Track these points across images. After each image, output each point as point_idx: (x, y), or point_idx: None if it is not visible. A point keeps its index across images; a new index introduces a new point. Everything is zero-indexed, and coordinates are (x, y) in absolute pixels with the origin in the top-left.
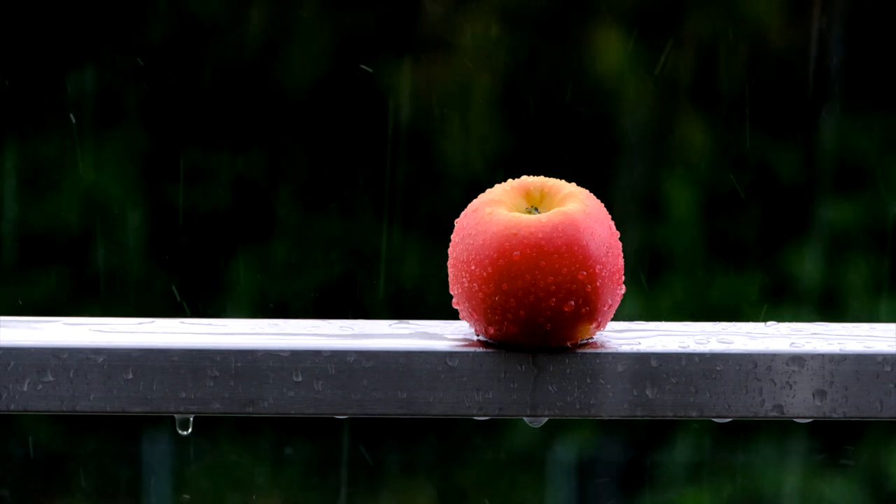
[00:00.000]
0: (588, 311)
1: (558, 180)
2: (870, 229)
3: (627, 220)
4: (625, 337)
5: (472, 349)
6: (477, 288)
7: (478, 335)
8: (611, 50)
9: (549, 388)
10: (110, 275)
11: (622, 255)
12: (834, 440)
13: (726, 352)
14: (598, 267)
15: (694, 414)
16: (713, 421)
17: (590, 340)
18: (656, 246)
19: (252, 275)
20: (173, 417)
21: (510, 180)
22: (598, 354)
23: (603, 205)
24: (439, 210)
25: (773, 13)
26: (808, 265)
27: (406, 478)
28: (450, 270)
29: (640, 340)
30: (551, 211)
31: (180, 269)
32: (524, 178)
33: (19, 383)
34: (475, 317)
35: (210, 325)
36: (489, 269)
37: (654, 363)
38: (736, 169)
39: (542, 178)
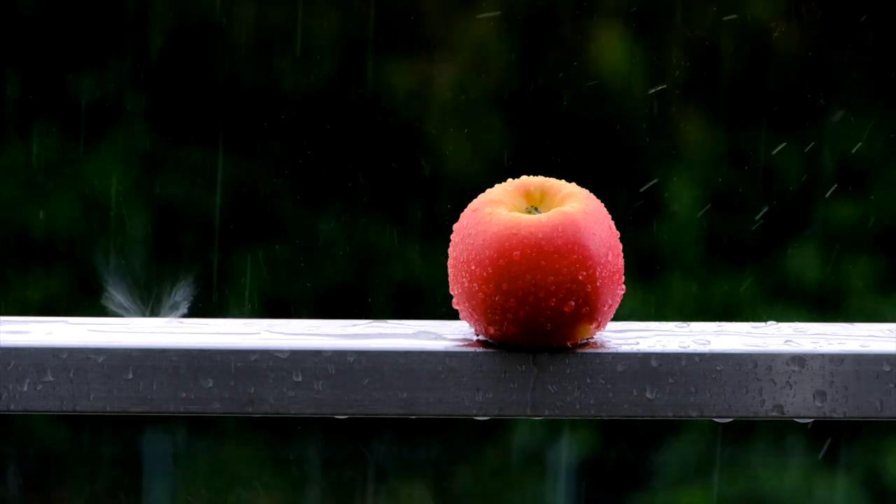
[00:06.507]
0: (588, 311)
1: (558, 180)
2: (870, 229)
3: (628, 220)
4: (625, 337)
5: (472, 349)
6: (477, 288)
7: (478, 335)
8: (611, 49)
9: (549, 388)
10: (110, 275)
11: (622, 254)
12: (834, 440)
13: (726, 352)
14: (598, 267)
15: (694, 414)
16: (713, 421)
17: (590, 340)
18: (656, 246)
19: (252, 275)
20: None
21: (510, 180)
22: (598, 354)
23: (603, 205)
24: (439, 210)
25: (774, 12)
26: (809, 265)
27: (405, 477)
28: (450, 270)
29: (639, 340)
30: (551, 211)
31: (181, 269)
32: (524, 177)
33: (19, 383)
34: (475, 317)
35: (210, 325)
36: (489, 269)
37: (654, 363)
38: (737, 168)
39: (542, 178)
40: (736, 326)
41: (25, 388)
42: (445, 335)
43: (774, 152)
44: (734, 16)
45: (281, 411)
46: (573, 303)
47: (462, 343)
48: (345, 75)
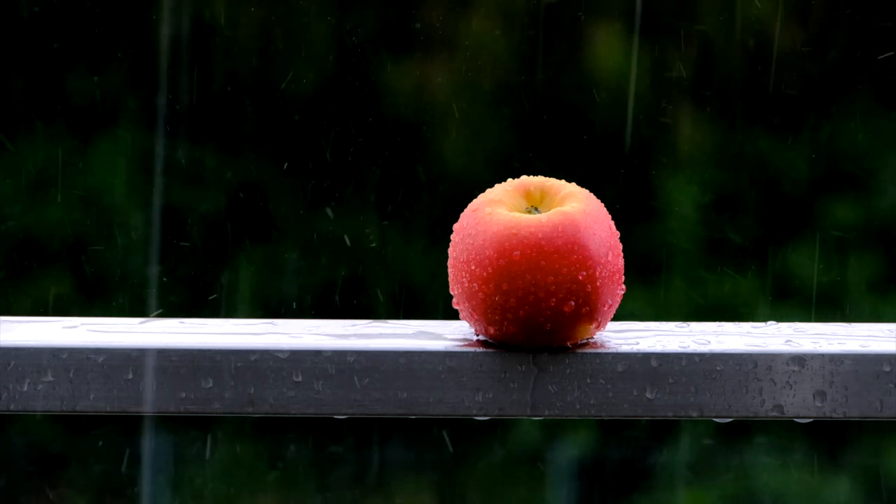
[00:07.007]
0: (588, 311)
1: (558, 180)
2: (871, 229)
3: (627, 220)
4: (625, 337)
5: (472, 349)
6: (477, 288)
7: (478, 335)
8: (611, 49)
9: (549, 388)
10: (110, 275)
11: (622, 254)
12: (834, 440)
13: (726, 352)
14: (598, 267)
15: (694, 414)
16: (713, 421)
17: (590, 340)
18: (656, 246)
19: (252, 275)
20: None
21: (510, 180)
22: (598, 354)
23: (603, 205)
24: (439, 210)
25: (774, 12)
26: (809, 265)
27: (405, 477)
28: (450, 270)
29: (639, 340)
30: (551, 211)
31: (181, 270)
32: (524, 177)
33: (19, 383)
34: (475, 317)
35: (209, 325)
36: (489, 269)
37: (654, 363)
38: (737, 168)
39: (541, 177)
40: (736, 326)
41: (25, 388)
42: (445, 335)
43: (774, 152)
44: (734, 14)
45: (281, 411)
46: (573, 303)
47: (462, 343)
48: (345, 74)
